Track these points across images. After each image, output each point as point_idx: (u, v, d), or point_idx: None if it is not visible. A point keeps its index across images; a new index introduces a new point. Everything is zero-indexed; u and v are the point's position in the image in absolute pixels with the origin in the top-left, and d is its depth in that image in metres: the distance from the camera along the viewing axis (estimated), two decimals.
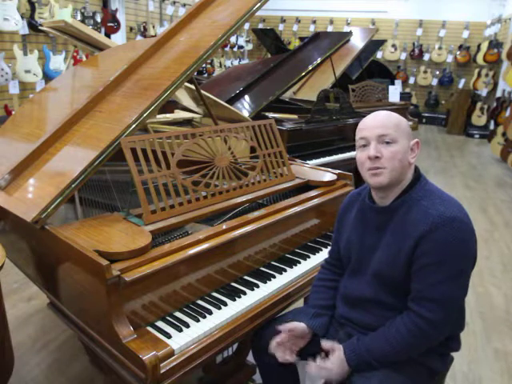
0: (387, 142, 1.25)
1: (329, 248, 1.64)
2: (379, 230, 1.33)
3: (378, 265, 1.31)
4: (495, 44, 8.23)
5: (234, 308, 1.44)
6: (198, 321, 1.36)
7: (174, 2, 7.46)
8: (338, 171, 2.13)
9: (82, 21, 5.34)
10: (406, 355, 1.25)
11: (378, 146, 1.26)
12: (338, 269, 1.53)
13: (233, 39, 9.38)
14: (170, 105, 3.11)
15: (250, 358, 1.71)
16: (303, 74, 3.94)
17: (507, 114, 6.86)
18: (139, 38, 6.67)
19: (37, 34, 4.87)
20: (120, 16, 6.07)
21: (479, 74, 8.66)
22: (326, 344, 1.33)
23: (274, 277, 1.63)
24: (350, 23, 9.53)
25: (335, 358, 1.29)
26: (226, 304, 1.45)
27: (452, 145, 7.93)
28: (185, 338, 1.29)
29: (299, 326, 1.40)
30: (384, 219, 1.32)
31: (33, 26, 4.68)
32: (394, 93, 5.43)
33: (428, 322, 1.21)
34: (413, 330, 1.22)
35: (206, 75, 8.16)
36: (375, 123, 1.28)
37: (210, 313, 1.40)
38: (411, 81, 9.50)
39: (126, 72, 1.86)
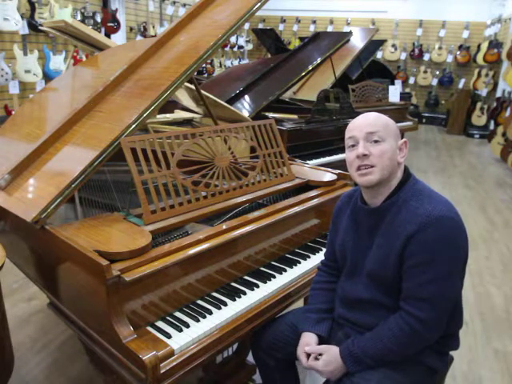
0: (375, 141, 1.26)
1: None
2: (371, 231, 1.34)
3: (371, 266, 1.31)
4: (495, 44, 8.23)
5: (234, 308, 1.44)
6: (198, 321, 1.36)
7: (174, 2, 7.46)
8: (337, 171, 2.13)
9: (82, 21, 5.34)
10: (401, 354, 1.25)
11: (367, 144, 1.27)
12: (335, 270, 1.53)
13: (233, 39, 9.38)
14: (170, 105, 3.11)
15: (250, 358, 1.72)
16: (303, 74, 3.94)
17: (507, 114, 6.86)
18: (139, 37, 6.67)
19: (37, 33, 4.87)
20: (120, 16, 6.07)
21: (479, 74, 8.66)
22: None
23: (274, 277, 1.63)
24: (350, 23, 9.52)
25: (325, 357, 1.32)
26: (225, 304, 1.45)
27: (452, 145, 7.93)
28: (185, 338, 1.29)
29: (312, 340, 1.40)
30: (375, 220, 1.33)
31: (33, 26, 4.68)
32: (394, 93, 5.43)
33: (419, 321, 1.21)
34: (405, 329, 1.22)
35: (206, 75, 8.16)
36: (364, 123, 1.29)
37: (210, 313, 1.40)
38: (411, 81, 9.50)
39: (125, 72, 1.85)
